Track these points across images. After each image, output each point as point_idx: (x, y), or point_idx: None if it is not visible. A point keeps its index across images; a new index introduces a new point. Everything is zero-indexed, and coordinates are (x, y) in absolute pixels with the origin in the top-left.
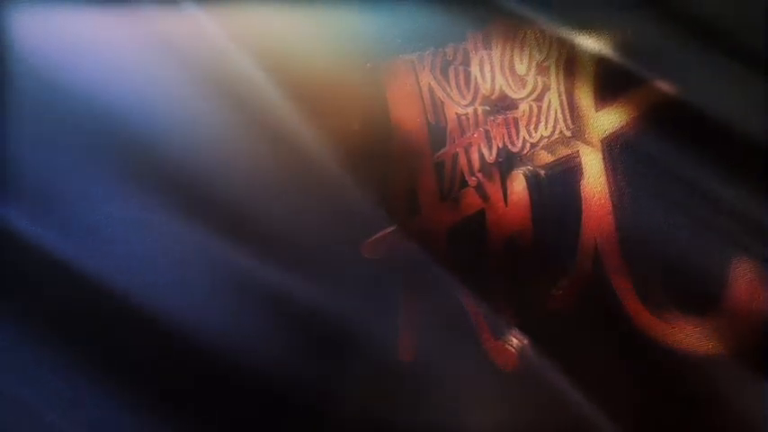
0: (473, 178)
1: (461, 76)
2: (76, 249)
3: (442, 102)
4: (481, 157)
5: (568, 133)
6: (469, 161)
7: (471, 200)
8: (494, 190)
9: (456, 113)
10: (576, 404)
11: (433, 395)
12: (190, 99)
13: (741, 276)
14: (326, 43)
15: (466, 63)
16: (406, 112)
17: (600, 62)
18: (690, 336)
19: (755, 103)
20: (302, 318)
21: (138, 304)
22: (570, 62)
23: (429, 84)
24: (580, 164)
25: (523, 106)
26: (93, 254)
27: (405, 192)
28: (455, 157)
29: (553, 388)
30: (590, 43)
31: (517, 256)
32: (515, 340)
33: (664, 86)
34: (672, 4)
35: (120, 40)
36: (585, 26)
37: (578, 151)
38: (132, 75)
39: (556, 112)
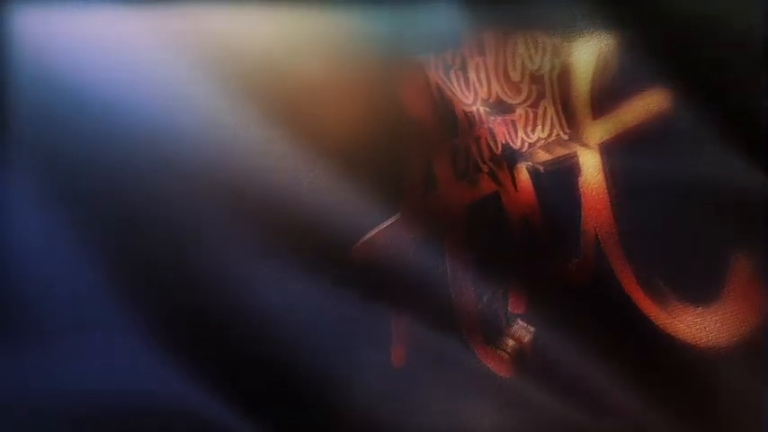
0: (485, 166)
1: (461, 80)
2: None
3: (450, 99)
4: (489, 148)
5: (565, 137)
6: (480, 151)
7: (486, 183)
8: (504, 177)
9: (463, 110)
10: (572, 399)
11: (424, 400)
12: (198, 99)
13: (741, 268)
14: (333, 43)
15: (463, 68)
16: (418, 106)
17: (595, 71)
18: (691, 326)
19: (750, 104)
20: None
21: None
22: (564, 72)
23: (437, 83)
24: (578, 163)
25: (519, 111)
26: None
27: (421, 169)
28: (467, 146)
29: (548, 391)
30: (584, 53)
31: (530, 236)
32: (510, 343)
33: (660, 94)
34: (664, 13)
35: (125, 39)
36: (578, 36)
37: (575, 152)
38: (137, 75)
39: (552, 119)
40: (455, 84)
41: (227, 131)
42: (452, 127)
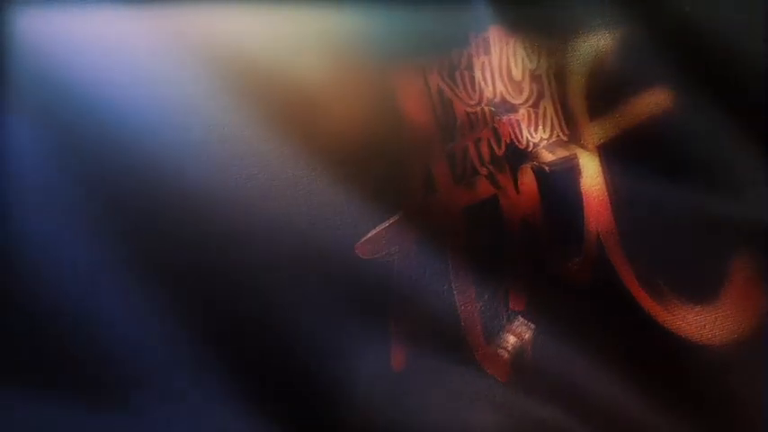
0: (484, 168)
1: (467, 80)
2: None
3: (451, 101)
4: (491, 150)
5: (565, 138)
6: (479, 153)
7: (484, 187)
8: (504, 179)
9: (465, 111)
10: (572, 398)
11: (424, 401)
12: (198, 99)
13: (741, 268)
14: (335, 45)
15: (470, 67)
16: (417, 110)
17: (593, 71)
18: (691, 324)
19: (750, 103)
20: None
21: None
22: (561, 72)
23: (438, 85)
24: (578, 164)
25: (522, 111)
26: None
27: (421, 173)
28: (465, 149)
29: (548, 390)
30: (582, 53)
31: (530, 236)
32: (511, 339)
33: (659, 95)
34: (661, 16)
35: (125, 39)
36: (576, 37)
37: (576, 153)
38: (137, 75)
39: (552, 119)
40: (460, 84)
41: (228, 132)
42: (451, 131)
